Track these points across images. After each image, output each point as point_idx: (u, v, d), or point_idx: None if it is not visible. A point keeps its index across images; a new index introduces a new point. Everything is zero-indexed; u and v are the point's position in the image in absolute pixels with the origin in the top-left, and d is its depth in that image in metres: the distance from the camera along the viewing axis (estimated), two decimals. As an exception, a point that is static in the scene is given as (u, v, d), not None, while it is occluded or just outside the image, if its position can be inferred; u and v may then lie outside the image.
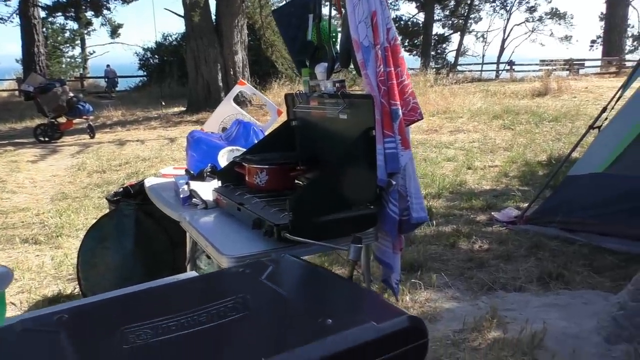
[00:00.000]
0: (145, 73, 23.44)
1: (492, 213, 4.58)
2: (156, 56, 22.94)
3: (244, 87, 3.36)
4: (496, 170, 6.33)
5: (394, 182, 1.80)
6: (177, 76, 19.92)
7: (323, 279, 1.05)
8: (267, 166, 2.03)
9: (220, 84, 13.91)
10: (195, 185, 2.25)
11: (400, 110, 1.78)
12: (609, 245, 3.67)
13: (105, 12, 26.09)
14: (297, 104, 2.24)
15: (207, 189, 2.23)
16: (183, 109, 14.52)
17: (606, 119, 4.17)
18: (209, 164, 2.42)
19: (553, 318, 2.70)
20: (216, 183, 2.25)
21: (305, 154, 2.17)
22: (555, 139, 7.87)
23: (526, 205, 4.43)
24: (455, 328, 2.73)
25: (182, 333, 0.84)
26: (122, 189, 3.14)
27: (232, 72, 13.88)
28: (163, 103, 14.75)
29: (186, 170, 2.49)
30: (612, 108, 4.13)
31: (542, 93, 13.00)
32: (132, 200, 2.91)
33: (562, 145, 7.31)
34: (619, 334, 2.37)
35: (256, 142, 2.48)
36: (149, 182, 2.72)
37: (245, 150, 2.38)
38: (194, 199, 2.19)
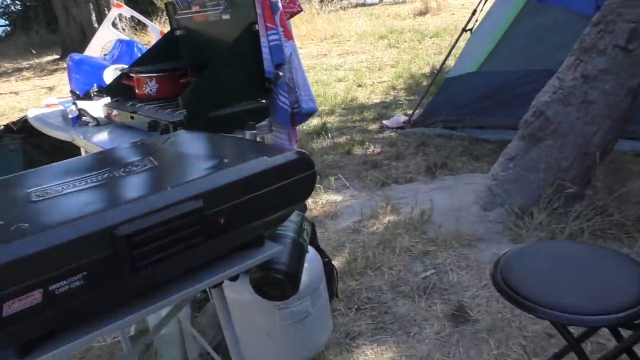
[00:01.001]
0: (7, 22, 21.25)
1: (383, 121, 4.83)
2: (17, 2, 20.81)
3: (122, 9, 3.23)
4: (384, 85, 6.59)
5: (281, 74, 1.88)
6: (45, 22, 18.26)
7: (221, 139, 1.14)
8: (156, 74, 2.03)
9: (96, 25, 12.97)
10: (83, 104, 2.21)
11: (280, 3, 1.84)
12: (486, 136, 4.03)
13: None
14: (179, 11, 2.23)
15: (96, 107, 2.19)
16: (57, 56, 13.46)
17: (476, 21, 4.47)
18: (95, 84, 2.36)
19: (439, 199, 3.00)
20: (105, 100, 2.22)
21: (193, 60, 2.19)
22: (437, 53, 8.25)
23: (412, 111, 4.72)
24: (355, 219, 2.96)
25: (90, 186, 0.90)
26: (2, 127, 2.98)
27: (106, 11, 12.97)
28: (34, 52, 13.58)
29: (71, 92, 2.42)
30: (481, 10, 4.42)
31: (423, 12, 13.41)
32: (16, 135, 2.78)
33: (443, 57, 7.70)
34: (493, 200, 2.69)
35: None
36: (32, 113, 2.61)
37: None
38: (84, 118, 2.15)
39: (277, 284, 1.26)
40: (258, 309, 1.75)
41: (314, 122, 5.20)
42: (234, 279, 0.99)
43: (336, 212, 3.11)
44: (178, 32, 2.28)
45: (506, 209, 2.62)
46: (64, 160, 1.08)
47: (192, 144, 1.10)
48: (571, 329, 1.40)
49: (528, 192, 2.60)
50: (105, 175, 0.93)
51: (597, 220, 2.46)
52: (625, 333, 1.38)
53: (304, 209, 1.41)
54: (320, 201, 3.28)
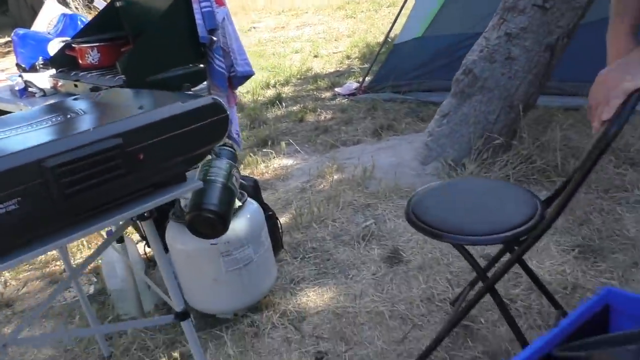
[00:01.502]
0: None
1: (335, 89, 4.98)
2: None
3: (66, -16, 3.26)
4: (340, 55, 6.71)
5: (215, 39, 2.01)
6: (-5, 4, 17.67)
7: (145, 92, 1.27)
8: (97, 44, 2.13)
9: (48, 5, 12.67)
10: (29, 76, 2.29)
11: (210, -29, 1.96)
12: (431, 98, 4.21)
13: None
14: (118, -16, 2.31)
15: (42, 78, 2.28)
16: (9, 38, 13.14)
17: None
18: (40, 57, 2.44)
19: (382, 157, 3.18)
20: (50, 72, 2.31)
21: (133, 30, 2.28)
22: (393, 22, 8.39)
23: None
24: (304, 180, 3.12)
25: (26, 131, 1.03)
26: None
27: (59, -9, 12.66)
28: (-16, 35, 13.19)
29: (17, 66, 2.49)
30: (426, -24, 4.56)
31: (380, -18, 13.48)
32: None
33: (398, 26, 7.84)
34: (430, 155, 2.88)
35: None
36: (-19, 89, 2.67)
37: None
38: (30, 89, 2.24)
39: (208, 222, 1.41)
40: (203, 258, 1.90)
41: (269, 92, 5.32)
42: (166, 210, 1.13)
43: (287, 174, 3.27)
44: (118, 3, 2.37)
45: (441, 162, 2.81)
46: (6, 115, 1.19)
47: (118, 97, 1.23)
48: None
49: (460, 145, 2.80)
50: (41, 122, 1.06)
51: (522, 168, 2.67)
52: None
53: (234, 158, 1.55)
54: (272, 166, 3.43)
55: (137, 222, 1.41)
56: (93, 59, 2.13)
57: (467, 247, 1.52)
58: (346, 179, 2.98)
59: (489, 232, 1.44)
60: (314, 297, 2.10)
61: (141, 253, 2.22)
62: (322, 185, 2.99)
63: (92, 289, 2.33)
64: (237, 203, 1.93)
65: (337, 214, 2.65)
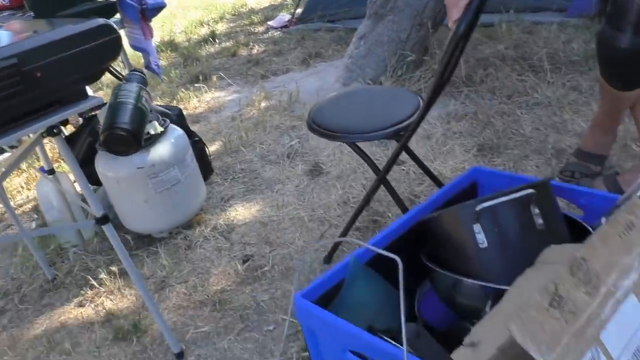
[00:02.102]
0: None
1: (268, 22, 5.02)
2: None
3: None
4: (274, -11, 6.67)
5: (122, -28, 2.08)
6: None
7: (44, 21, 1.37)
8: (5, -15, 2.16)
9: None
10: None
11: None
12: (358, 25, 4.32)
13: None
14: None
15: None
16: None
17: None
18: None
19: (308, 82, 3.33)
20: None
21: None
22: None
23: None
24: (235, 110, 3.25)
25: None
26: None
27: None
28: None
29: None
30: None
31: None
32: None
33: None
34: (350, 76, 3.05)
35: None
36: None
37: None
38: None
39: (121, 140, 1.55)
40: (132, 181, 2.04)
41: (203, 30, 5.32)
42: (63, 124, 1.26)
43: (219, 107, 3.39)
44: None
45: (360, 82, 2.98)
46: None
47: (16, 26, 1.33)
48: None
49: (377, 64, 2.96)
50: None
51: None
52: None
53: (143, 82, 1.67)
54: (204, 99, 3.53)
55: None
56: (4, 0, 2.17)
57: (360, 145, 1.72)
58: (273, 105, 3.13)
59: (377, 129, 1.63)
60: (242, 211, 2.29)
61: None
62: (251, 113, 3.13)
63: (34, 225, 2.46)
64: (159, 128, 2.06)
65: (264, 137, 2.81)
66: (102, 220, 1.40)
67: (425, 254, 1.32)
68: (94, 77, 1.27)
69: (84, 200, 1.53)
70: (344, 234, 1.86)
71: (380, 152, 2.47)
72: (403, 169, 2.33)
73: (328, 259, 1.88)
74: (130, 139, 1.55)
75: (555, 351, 0.77)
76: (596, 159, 2.02)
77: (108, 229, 1.42)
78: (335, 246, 1.89)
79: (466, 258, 1.21)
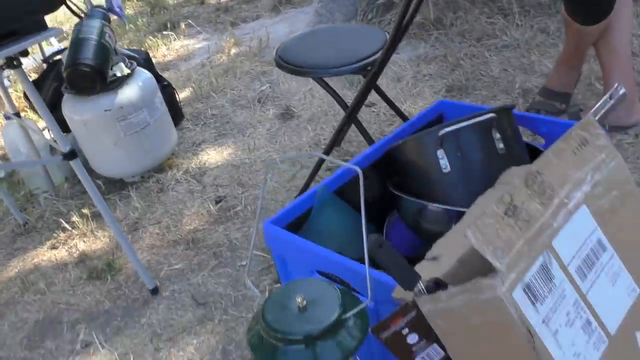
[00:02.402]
0: None
1: (237, -31, 4.88)
2: None
3: None
4: None
5: None
6: None
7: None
8: None
9: None
10: None
11: None
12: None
13: None
14: None
15: None
16: None
17: None
18: None
19: (279, 28, 3.28)
20: None
21: None
22: None
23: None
24: (205, 57, 3.20)
25: None
26: None
27: None
28: None
29: None
30: None
31: None
32: None
33: None
34: (320, 20, 3.01)
35: None
36: None
37: None
38: None
39: (85, 76, 1.53)
40: (100, 124, 2.02)
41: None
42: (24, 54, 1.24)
43: (188, 54, 3.33)
44: None
45: (332, 20, 2.95)
46: None
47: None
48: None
49: (347, 8, 2.94)
50: None
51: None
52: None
53: (106, 18, 1.64)
54: (173, 47, 3.47)
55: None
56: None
57: (327, 80, 1.73)
58: (243, 51, 3.09)
59: (345, 64, 1.64)
60: (214, 155, 2.29)
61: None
62: (221, 60, 3.09)
63: (2, 173, 2.42)
64: (126, 70, 2.03)
65: (235, 83, 2.79)
66: (69, 155, 1.39)
67: (392, 184, 1.36)
68: (51, 6, 1.24)
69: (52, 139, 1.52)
70: (314, 172, 1.88)
71: (351, 94, 2.47)
72: (373, 111, 2.35)
73: (299, 198, 1.91)
74: (95, 75, 1.53)
75: (509, 256, 0.82)
76: (561, 96, 2.06)
77: (76, 165, 1.41)
78: (306, 186, 1.92)
79: (430, 184, 1.24)
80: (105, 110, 1.98)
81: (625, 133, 1.89)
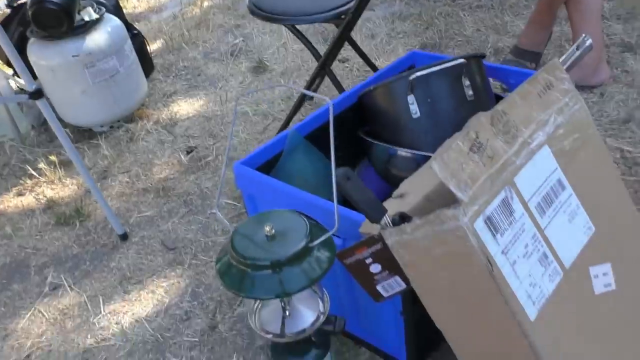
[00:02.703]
0: None
1: None
2: None
3: None
4: None
5: None
6: None
7: None
8: None
9: None
10: None
11: None
12: None
13: None
14: None
15: None
16: None
17: None
18: None
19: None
20: None
21: None
22: None
23: None
24: (177, 9, 3.13)
25: None
26: None
27: None
28: None
29: None
30: None
31: None
32: None
33: None
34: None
35: None
36: None
37: None
38: None
39: (51, 14, 1.48)
40: (68, 70, 1.97)
41: None
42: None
43: (160, 6, 3.25)
44: None
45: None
46: None
47: None
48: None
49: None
50: None
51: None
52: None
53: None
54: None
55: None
56: None
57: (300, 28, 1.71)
58: (217, 4, 3.03)
59: (318, 12, 1.63)
60: (185, 107, 2.27)
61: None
62: (194, 12, 3.03)
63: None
64: (94, 15, 1.97)
65: (207, 36, 2.74)
66: (36, 94, 1.36)
67: (363, 132, 1.37)
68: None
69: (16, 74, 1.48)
70: (286, 125, 1.89)
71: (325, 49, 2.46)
72: (347, 66, 2.35)
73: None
74: (61, 14, 1.49)
75: (473, 189, 0.84)
76: (531, 55, 2.09)
77: (43, 105, 1.38)
78: (286, 124, 1.91)
79: (400, 129, 1.26)
80: (73, 56, 1.93)
81: (591, 92, 1.93)
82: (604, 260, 1.00)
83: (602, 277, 0.99)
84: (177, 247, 1.59)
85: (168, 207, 1.75)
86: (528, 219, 0.90)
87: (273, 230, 0.84)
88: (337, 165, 1.02)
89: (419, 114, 1.22)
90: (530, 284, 0.87)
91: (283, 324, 0.90)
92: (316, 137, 1.32)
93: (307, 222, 0.86)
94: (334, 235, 1.02)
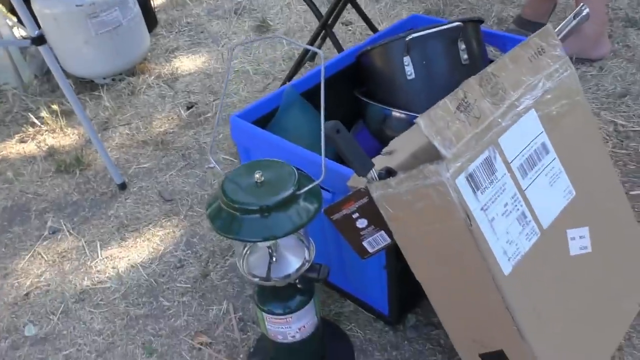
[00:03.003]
0: None
1: None
2: None
3: None
4: None
5: None
6: None
7: None
8: None
9: None
10: None
11: None
12: None
13: None
14: None
15: None
16: None
17: None
18: None
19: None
20: None
21: None
22: None
23: None
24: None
25: None
26: None
27: None
28: None
29: None
30: None
31: None
32: None
33: None
34: None
35: None
36: None
37: None
38: None
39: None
40: (71, 20, 1.98)
41: None
42: None
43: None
44: None
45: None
46: None
47: None
48: None
49: None
50: None
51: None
52: None
53: None
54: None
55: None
56: None
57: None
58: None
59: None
60: (187, 63, 2.28)
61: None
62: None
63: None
64: (99, -35, 1.97)
65: (212, -8, 2.74)
66: (38, 40, 1.38)
67: (359, 92, 1.39)
68: None
69: (19, 21, 1.50)
70: (285, 83, 1.90)
71: (329, 12, 2.46)
72: (349, 30, 2.35)
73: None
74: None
75: (457, 147, 0.87)
76: (534, 26, 2.09)
77: (45, 52, 1.40)
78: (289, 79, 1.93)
79: (394, 90, 1.28)
80: (77, 5, 1.94)
81: (590, 65, 1.94)
82: (582, 224, 1.04)
83: (579, 240, 1.03)
84: (174, 199, 1.63)
85: (166, 160, 1.79)
86: (509, 179, 0.93)
87: (262, 178, 0.87)
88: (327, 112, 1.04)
89: (413, 75, 1.24)
90: (507, 241, 0.91)
91: (269, 268, 0.95)
92: (312, 95, 1.34)
93: (296, 172, 0.89)
94: (323, 189, 1.06)
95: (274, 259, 0.96)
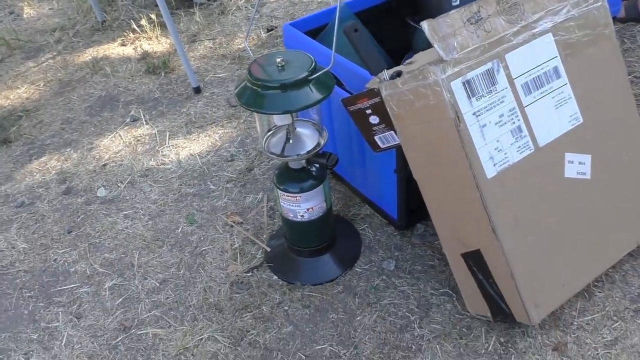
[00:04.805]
0: None
1: None
2: None
3: None
4: None
5: None
6: None
7: None
8: None
9: None
10: None
11: None
12: None
13: None
14: None
15: None
16: None
17: None
18: None
19: None
20: None
21: None
22: None
23: None
24: None
25: None
26: None
27: None
28: None
29: None
30: None
31: None
32: None
33: None
34: None
35: None
36: None
37: None
38: None
39: None
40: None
41: None
42: None
43: None
44: None
45: None
46: None
47: None
48: None
49: None
50: None
51: None
52: None
53: None
54: None
55: None
56: None
57: None
58: None
59: None
60: (276, -9, 2.43)
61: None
62: None
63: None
64: None
65: None
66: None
67: (412, 20, 1.47)
68: None
69: None
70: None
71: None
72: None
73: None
74: None
75: (460, 54, 0.95)
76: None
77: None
78: None
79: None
80: None
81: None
82: (584, 151, 1.07)
83: (578, 165, 1.07)
84: (238, 106, 1.81)
85: (239, 73, 1.96)
86: (510, 94, 0.99)
87: (283, 62, 1.00)
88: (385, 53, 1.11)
89: (458, 2, 1.30)
90: (495, 148, 0.98)
91: (284, 147, 1.09)
92: (366, 18, 1.43)
93: (313, 60, 1.01)
94: (344, 89, 1.17)
95: (290, 141, 1.10)
